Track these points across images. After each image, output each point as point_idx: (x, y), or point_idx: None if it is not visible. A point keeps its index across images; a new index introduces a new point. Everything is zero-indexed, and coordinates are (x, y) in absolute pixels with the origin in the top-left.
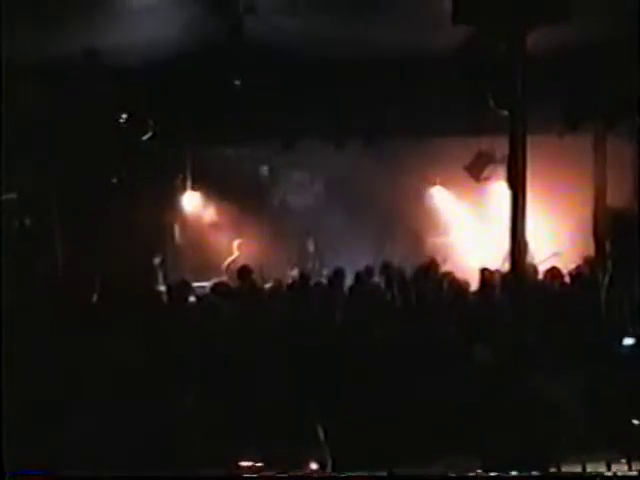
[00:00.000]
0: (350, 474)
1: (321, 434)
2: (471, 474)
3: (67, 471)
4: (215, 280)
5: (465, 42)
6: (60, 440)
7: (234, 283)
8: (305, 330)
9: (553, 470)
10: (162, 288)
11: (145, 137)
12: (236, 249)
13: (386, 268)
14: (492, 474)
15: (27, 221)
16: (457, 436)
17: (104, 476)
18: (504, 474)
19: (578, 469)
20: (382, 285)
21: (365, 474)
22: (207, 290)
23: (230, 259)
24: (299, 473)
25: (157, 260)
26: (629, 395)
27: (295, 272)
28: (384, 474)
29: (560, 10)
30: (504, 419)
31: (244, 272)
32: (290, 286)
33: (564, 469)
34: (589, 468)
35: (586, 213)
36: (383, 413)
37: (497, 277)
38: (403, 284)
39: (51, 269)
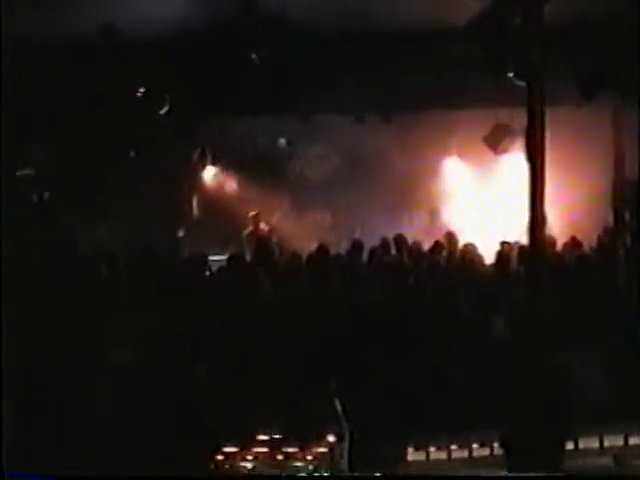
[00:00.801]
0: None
1: (339, 407)
2: (471, 474)
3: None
4: (230, 253)
5: (482, 13)
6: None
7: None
8: (323, 304)
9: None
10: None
11: (162, 111)
12: (251, 221)
13: (402, 241)
14: (492, 474)
15: (45, 196)
16: (474, 409)
17: (104, 476)
18: (504, 474)
19: (595, 443)
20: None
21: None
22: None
23: (247, 231)
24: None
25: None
26: None
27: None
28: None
29: None
30: (522, 392)
31: (262, 244)
32: (308, 259)
33: (581, 443)
34: (606, 442)
35: (605, 184)
36: (400, 386)
37: (516, 250)
38: (420, 257)
39: (68, 245)
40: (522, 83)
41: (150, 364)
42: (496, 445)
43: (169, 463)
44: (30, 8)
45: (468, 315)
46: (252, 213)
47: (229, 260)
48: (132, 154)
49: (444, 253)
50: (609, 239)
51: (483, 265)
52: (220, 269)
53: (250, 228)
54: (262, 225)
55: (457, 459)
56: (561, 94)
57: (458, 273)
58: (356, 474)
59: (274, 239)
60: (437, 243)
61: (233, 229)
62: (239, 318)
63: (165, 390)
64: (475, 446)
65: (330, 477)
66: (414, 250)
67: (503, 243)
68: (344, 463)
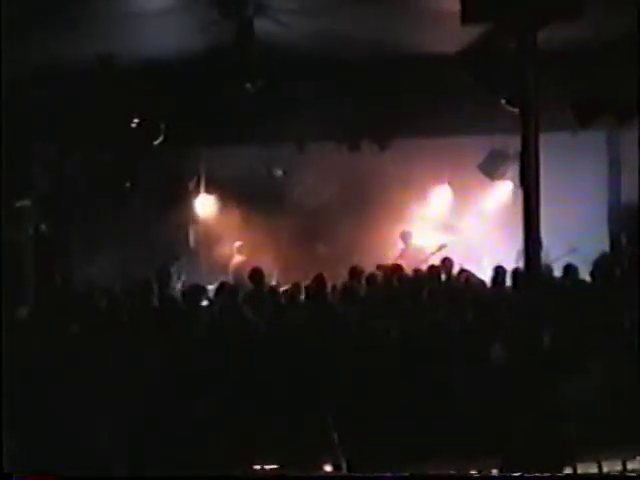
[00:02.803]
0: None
1: (335, 436)
2: (472, 474)
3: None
4: (218, 282)
5: (476, 40)
6: None
7: (241, 285)
8: (321, 332)
9: (568, 469)
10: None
11: (157, 141)
12: (236, 251)
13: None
14: (493, 474)
15: (42, 227)
16: (474, 435)
17: (104, 476)
18: (505, 474)
19: (594, 468)
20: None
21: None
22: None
23: (235, 262)
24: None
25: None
26: None
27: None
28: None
29: (572, 6)
30: (519, 417)
31: (256, 275)
32: (307, 289)
33: (580, 468)
34: (605, 467)
35: (601, 209)
36: (397, 414)
37: (510, 275)
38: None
39: (66, 275)
40: (515, 109)
41: (146, 393)
42: (496, 471)
43: None
44: (26, 38)
45: (467, 340)
46: (237, 244)
47: (218, 290)
48: (127, 185)
49: (440, 279)
50: (607, 263)
51: (481, 291)
52: (212, 300)
53: (237, 259)
54: (244, 255)
55: None
56: (556, 120)
57: (455, 299)
58: (356, 474)
59: (275, 269)
60: (430, 269)
61: (228, 259)
62: (236, 349)
63: (162, 419)
64: (474, 472)
65: (333, 477)
66: (409, 276)
67: (497, 268)
68: None
